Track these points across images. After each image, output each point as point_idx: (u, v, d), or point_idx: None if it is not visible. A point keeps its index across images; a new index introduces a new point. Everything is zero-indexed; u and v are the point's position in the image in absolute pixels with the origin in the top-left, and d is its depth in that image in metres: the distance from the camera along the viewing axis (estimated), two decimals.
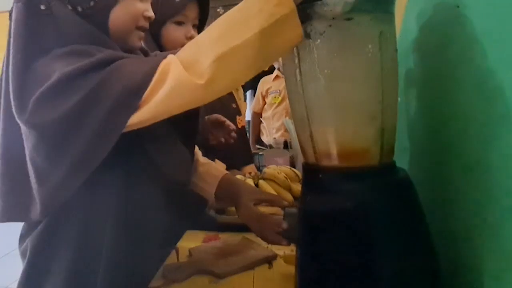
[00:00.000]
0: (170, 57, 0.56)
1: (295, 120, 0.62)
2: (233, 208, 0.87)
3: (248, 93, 3.55)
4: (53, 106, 0.55)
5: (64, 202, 0.60)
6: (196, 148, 0.89)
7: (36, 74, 0.58)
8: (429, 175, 0.65)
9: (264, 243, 0.86)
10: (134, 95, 0.55)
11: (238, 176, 1.16)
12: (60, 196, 0.59)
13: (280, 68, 2.48)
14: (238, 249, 0.88)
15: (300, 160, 1.16)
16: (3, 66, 0.61)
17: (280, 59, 0.63)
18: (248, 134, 2.44)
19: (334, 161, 0.54)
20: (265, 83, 2.63)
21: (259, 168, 1.68)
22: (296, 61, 0.55)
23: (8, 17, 0.62)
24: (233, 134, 1.11)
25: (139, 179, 0.70)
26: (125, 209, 0.67)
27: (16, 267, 0.71)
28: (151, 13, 0.69)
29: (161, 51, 0.91)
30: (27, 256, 0.68)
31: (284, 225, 0.74)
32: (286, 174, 1.18)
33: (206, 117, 1.10)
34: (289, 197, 1.13)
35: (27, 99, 0.56)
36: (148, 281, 0.76)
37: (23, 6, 0.60)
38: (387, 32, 0.52)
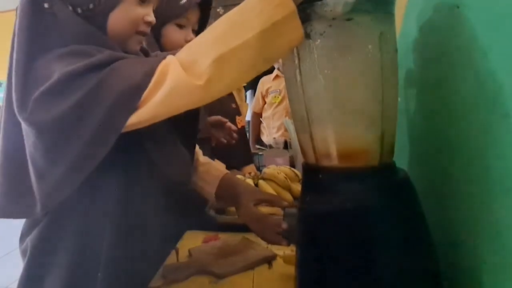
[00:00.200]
0: (169, 58, 0.56)
1: (295, 120, 0.62)
2: (233, 208, 0.87)
3: (248, 93, 3.55)
4: (53, 105, 0.55)
5: (63, 200, 0.60)
6: (197, 148, 0.89)
7: (36, 74, 0.58)
8: (429, 175, 0.65)
9: (264, 243, 0.86)
10: (133, 96, 0.55)
11: (238, 176, 1.16)
12: (59, 194, 0.60)
13: (280, 68, 2.48)
14: (238, 249, 0.88)
15: (300, 160, 1.16)
16: (7, 65, 0.62)
17: (280, 59, 0.63)
18: (248, 134, 2.44)
19: (334, 161, 0.54)
20: (265, 83, 2.63)
21: (259, 168, 1.69)
22: (296, 61, 0.55)
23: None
24: (234, 135, 1.12)
25: (139, 179, 0.70)
26: (124, 208, 0.68)
27: (16, 267, 0.71)
28: (151, 18, 0.69)
29: (161, 51, 0.91)
30: (27, 255, 0.68)
31: (284, 225, 0.74)
32: (286, 174, 1.18)
33: (207, 118, 1.11)
34: (289, 197, 1.13)
35: (28, 98, 0.56)
36: (148, 281, 0.76)
37: (27, 3, 0.61)
38: (387, 33, 0.52)
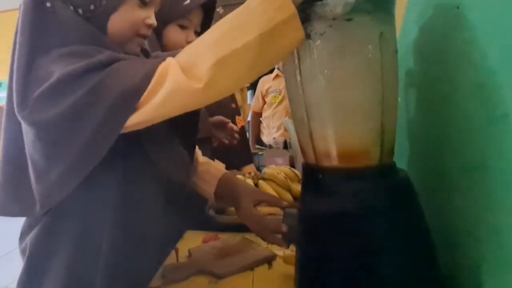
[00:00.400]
0: (169, 59, 0.56)
1: (295, 120, 0.62)
2: (233, 208, 0.87)
3: (248, 93, 3.55)
4: (52, 105, 0.55)
5: (61, 200, 0.60)
6: (196, 148, 0.89)
7: (36, 74, 0.58)
8: (429, 175, 0.65)
9: (264, 243, 0.86)
10: (132, 97, 0.55)
11: (238, 176, 1.16)
12: (57, 194, 0.60)
13: (280, 68, 2.47)
14: (238, 249, 0.88)
15: (300, 160, 1.16)
16: (10, 64, 0.62)
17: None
18: (247, 134, 2.44)
19: (334, 162, 0.54)
20: (264, 83, 2.63)
21: (258, 168, 1.69)
22: (296, 61, 0.55)
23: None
24: (236, 135, 1.12)
25: (139, 179, 0.70)
26: (124, 209, 0.67)
27: (16, 267, 0.71)
28: (152, 21, 0.69)
29: (162, 51, 0.91)
30: (27, 254, 0.68)
31: (284, 228, 0.74)
32: (285, 174, 1.18)
33: (209, 118, 1.11)
34: (288, 197, 1.13)
35: (28, 97, 0.57)
36: (147, 281, 0.76)
37: (30, 1, 0.61)
38: (387, 33, 0.52)
